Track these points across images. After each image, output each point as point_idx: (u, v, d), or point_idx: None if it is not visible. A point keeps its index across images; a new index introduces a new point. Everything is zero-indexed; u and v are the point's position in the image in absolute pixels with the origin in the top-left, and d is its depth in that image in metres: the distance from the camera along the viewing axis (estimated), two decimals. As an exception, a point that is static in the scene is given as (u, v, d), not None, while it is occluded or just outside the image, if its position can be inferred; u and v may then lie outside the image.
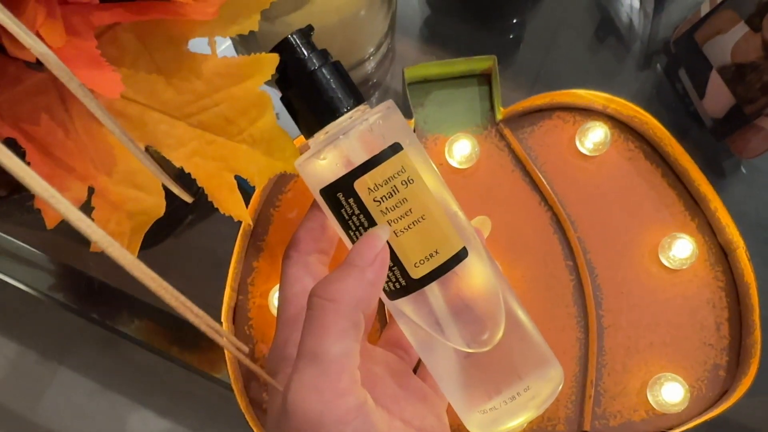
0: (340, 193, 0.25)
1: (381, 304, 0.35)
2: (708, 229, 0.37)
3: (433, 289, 0.25)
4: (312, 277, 0.28)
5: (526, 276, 0.37)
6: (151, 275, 0.19)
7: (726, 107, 0.40)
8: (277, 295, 0.36)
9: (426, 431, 0.27)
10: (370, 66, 0.41)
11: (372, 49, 0.40)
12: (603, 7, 0.47)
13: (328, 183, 0.25)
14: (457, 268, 0.25)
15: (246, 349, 0.28)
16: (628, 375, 0.36)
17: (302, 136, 0.27)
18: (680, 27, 0.43)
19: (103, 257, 0.19)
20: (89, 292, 0.44)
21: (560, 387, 0.27)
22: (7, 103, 0.24)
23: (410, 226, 0.25)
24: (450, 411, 0.28)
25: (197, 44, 0.26)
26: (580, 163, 0.38)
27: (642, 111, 0.37)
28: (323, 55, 0.27)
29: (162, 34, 0.25)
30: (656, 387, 0.35)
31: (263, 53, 0.26)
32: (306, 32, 0.27)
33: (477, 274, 0.26)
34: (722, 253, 0.37)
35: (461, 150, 0.37)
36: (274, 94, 0.27)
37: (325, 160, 0.25)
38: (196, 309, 0.22)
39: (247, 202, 0.33)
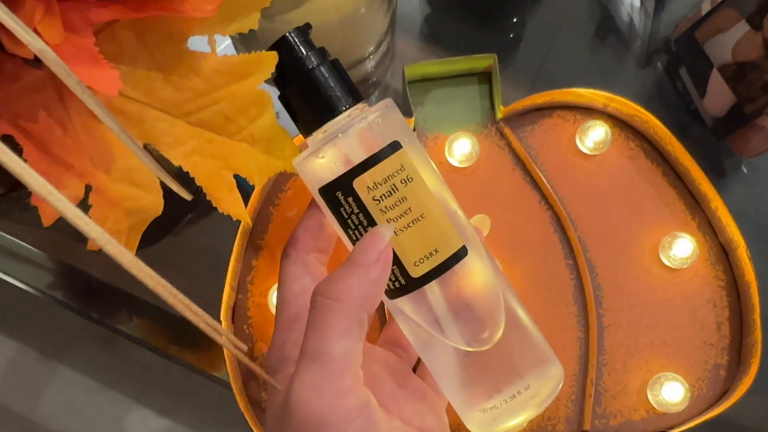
0: (339, 192, 0.25)
1: (380, 302, 0.35)
2: (708, 228, 0.37)
3: (432, 288, 0.25)
4: (311, 276, 0.28)
5: (526, 275, 0.37)
6: (150, 273, 0.19)
7: (727, 106, 0.40)
8: (276, 293, 0.35)
9: (426, 430, 0.27)
10: (370, 64, 0.41)
11: (372, 48, 0.40)
12: (603, 6, 0.47)
13: (326, 182, 0.25)
14: (457, 267, 0.25)
15: (245, 347, 0.28)
16: (629, 374, 0.36)
17: (301, 135, 0.27)
18: (681, 25, 0.43)
19: (101, 255, 0.19)
20: (88, 290, 0.44)
21: (560, 386, 0.27)
22: (5, 100, 0.24)
23: (409, 225, 0.24)
24: (450, 410, 0.28)
25: (197, 43, 0.26)
26: (580, 161, 0.38)
27: (642, 110, 0.37)
28: (321, 53, 0.27)
29: (161, 32, 0.25)
30: (656, 386, 0.35)
31: (263, 51, 0.26)
32: (304, 30, 0.27)
33: (477, 273, 0.26)
34: (723, 253, 0.37)
35: (461, 149, 0.37)
36: (274, 93, 0.27)
37: (323, 158, 0.25)
38: (195, 307, 0.22)
39: (246, 201, 0.33)
